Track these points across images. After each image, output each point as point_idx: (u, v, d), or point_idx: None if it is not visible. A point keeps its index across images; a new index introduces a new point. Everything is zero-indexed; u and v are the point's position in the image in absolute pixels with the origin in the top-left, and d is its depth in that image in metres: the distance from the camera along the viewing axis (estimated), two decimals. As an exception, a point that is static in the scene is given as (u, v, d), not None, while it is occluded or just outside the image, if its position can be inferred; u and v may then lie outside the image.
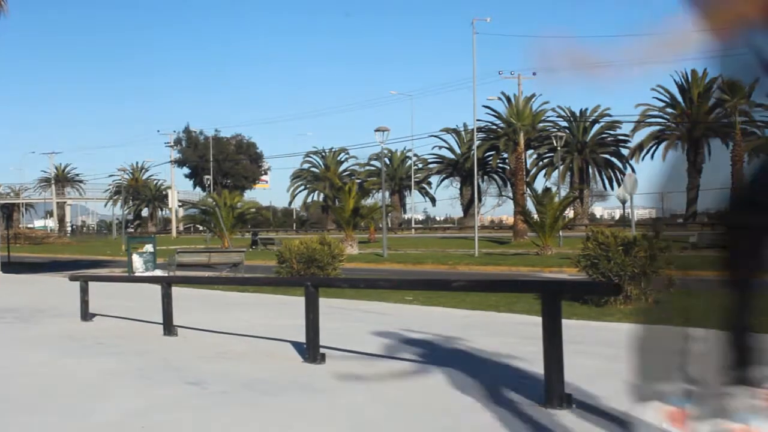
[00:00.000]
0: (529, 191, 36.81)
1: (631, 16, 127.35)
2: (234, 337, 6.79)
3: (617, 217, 78.95)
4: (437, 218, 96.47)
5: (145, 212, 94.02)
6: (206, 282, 12.65)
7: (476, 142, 41.97)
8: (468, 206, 65.94)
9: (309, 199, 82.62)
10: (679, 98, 55.46)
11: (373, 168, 72.04)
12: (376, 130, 33.14)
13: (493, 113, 60.36)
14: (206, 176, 72.60)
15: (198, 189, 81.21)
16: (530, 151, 60.19)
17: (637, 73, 2.93)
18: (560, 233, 32.45)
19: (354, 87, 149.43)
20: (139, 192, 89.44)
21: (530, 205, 33.41)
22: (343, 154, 78.93)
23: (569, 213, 44.18)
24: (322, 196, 74.67)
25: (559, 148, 44.50)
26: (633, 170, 59.07)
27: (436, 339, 6.83)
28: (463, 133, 68.68)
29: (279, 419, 3.95)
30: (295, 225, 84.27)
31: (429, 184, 78.27)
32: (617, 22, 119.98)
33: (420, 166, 76.12)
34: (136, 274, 18.83)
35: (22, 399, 4.48)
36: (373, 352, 5.78)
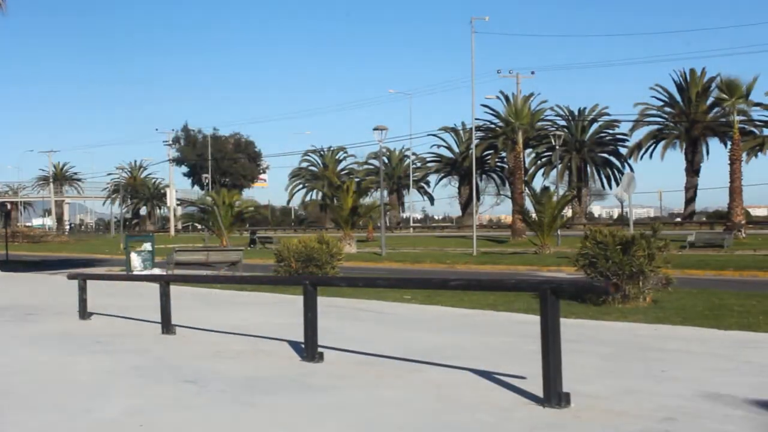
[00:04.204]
0: (527, 190, 36.82)
1: (628, 17, 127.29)
2: (232, 336, 6.78)
3: (615, 216, 78.98)
4: (436, 217, 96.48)
5: (143, 211, 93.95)
6: (204, 281, 12.62)
7: (474, 141, 41.94)
8: (466, 205, 65.91)
9: (307, 198, 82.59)
10: (678, 97, 55.49)
11: (371, 167, 72.03)
12: (375, 129, 33.12)
13: (491, 112, 60.34)
14: (205, 175, 72.54)
15: (196, 188, 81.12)
16: (528, 150, 60.17)
17: None
18: (558, 232, 32.47)
19: (353, 86, 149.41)
20: (137, 190, 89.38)
21: (528, 204, 33.42)
22: (341, 152, 78.92)
23: (567, 212, 44.21)
24: (320, 194, 74.60)
25: (557, 147, 44.48)
26: (631, 169, 59.11)
27: (435, 338, 6.83)
28: (461, 132, 68.64)
29: (277, 417, 3.95)
30: (293, 224, 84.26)
31: (427, 183, 78.25)
32: (614, 22, 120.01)
33: (418, 164, 76.10)
34: (135, 273, 18.81)
35: (22, 396, 4.48)
36: (371, 351, 5.78)
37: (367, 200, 37.48)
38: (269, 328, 7.20)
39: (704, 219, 57.17)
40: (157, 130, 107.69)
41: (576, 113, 63.90)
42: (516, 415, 3.87)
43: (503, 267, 23.12)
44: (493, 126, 61.11)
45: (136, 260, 19.90)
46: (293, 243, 13.70)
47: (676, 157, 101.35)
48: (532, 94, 55.19)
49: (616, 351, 5.99)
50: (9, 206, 49.02)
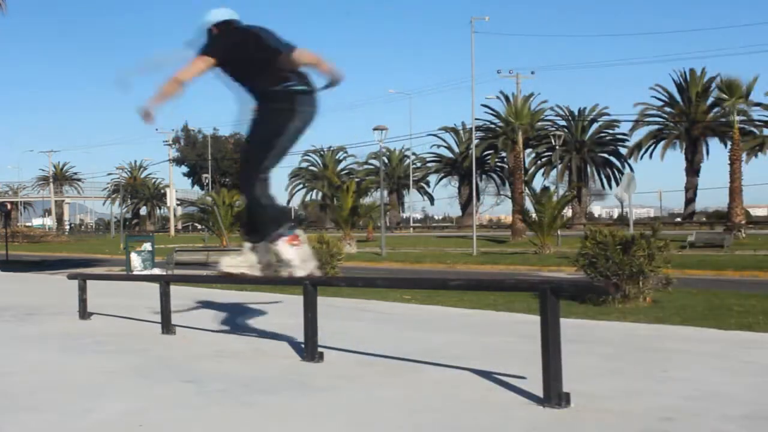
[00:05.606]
0: (527, 190, 36.84)
1: (626, 17, 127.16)
2: (232, 336, 6.79)
3: (615, 216, 79.02)
4: (436, 217, 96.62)
5: (143, 211, 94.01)
6: (204, 281, 12.60)
7: (474, 141, 41.96)
8: (466, 205, 65.92)
9: (307, 198, 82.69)
10: (678, 97, 55.47)
11: (371, 167, 72.11)
12: (375, 129, 33.22)
13: (491, 112, 60.52)
14: (204, 175, 72.55)
15: (196, 188, 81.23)
16: (529, 150, 60.26)
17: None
18: (558, 232, 32.49)
19: (353, 86, 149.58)
20: (137, 190, 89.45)
21: (529, 204, 33.44)
22: (341, 152, 78.99)
23: (567, 212, 44.24)
24: (320, 194, 74.63)
25: (557, 147, 44.52)
26: (631, 169, 59.14)
27: (434, 338, 6.83)
28: (461, 131, 68.70)
29: (277, 418, 3.96)
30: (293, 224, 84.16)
31: (427, 182, 78.39)
32: (615, 22, 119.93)
33: (418, 164, 76.21)
34: (135, 273, 18.82)
35: (21, 397, 4.48)
36: (371, 351, 5.78)
37: (367, 200, 37.58)
38: (269, 328, 7.20)
39: (704, 219, 57.19)
40: (157, 130, 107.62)
41: (576, 113, 63.97)
42: (516, 414, 3.87)
43: (503, 267, 23.15)
44: (493, 126, 61.24)
45: (136, 260, 19.92)
46: (293, 243, 13.68)
47: (676, 157, 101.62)
48: (532, 94, 55.38)
49: (616, 351, 5.99)
50: (9, 206, 48.96)
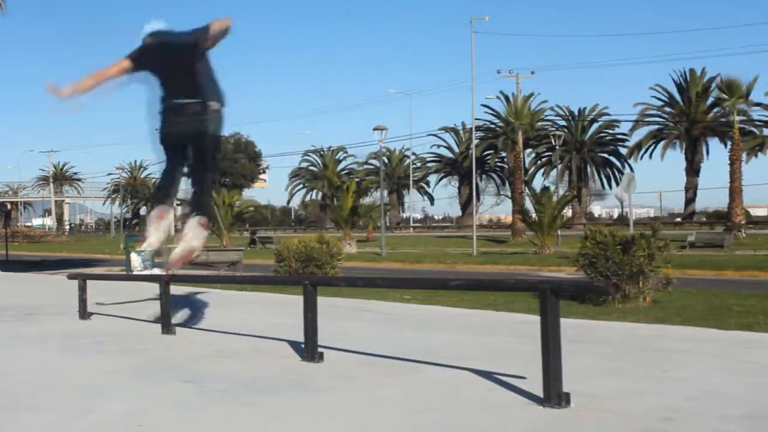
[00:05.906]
0: (527, 190, 36.81)
1: (626, 17, 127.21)
2: (232, 336, 6.79)
3: (615, 216, 78.98)
4: (436, 217, 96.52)
5: (143, 211, 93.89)
6: (204, 281, 12.60)
7: (474, 141, 41.96)
8: (466, 205, 65.86)
9: (307, 198, 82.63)
10: (678, 97, 55.46)
11: (371, 167, 72.06)
12: (375, 129, 33.19)
13: (491, 112, 60.42)
14: (204, 175, 72.45)
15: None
16: (529, 150, 60.18)
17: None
18: (558, 232, 32.46)
19: (353, 86, 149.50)
20: (137, 190, 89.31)
21: (528, 204, 33.42)
22: (341, 152, 78.91)
23: (567, 212, 44.19)
24: (320, 194, 74.59)
25: (557, 147, 44.50)
26: (631, 169, 59.08)
27: (434, 338, 6.83)
28: (461, 131, 68.63)
29: (277, 418, 3.96)
30: (293, 224, 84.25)
31: (427, 182, 78.28)
32: (615, 22, 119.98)
33: (418, 164, 76.12)
34: (135, 273, 18.80)
35: (21, 397, 4.48)
36: (371, 351, 5.78)
37: (367, 200, 37.55)
38: (269, 328, 7.20)
39: (704, 219, 57.14)
40: (156, 130, 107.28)
41: (576, 113, 63.85)
42: (516, 414, 3.87)
43: (503, 267, 23.14)
44: (493, 126, 61.19)
45: (136, 260, 19.86)
46: (293, 243, 13.70)
47: (676, 157, 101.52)
48: (532, 94, 55.28)
49: (616, 351, 5.99)
50: (9, 206, 48.98)
